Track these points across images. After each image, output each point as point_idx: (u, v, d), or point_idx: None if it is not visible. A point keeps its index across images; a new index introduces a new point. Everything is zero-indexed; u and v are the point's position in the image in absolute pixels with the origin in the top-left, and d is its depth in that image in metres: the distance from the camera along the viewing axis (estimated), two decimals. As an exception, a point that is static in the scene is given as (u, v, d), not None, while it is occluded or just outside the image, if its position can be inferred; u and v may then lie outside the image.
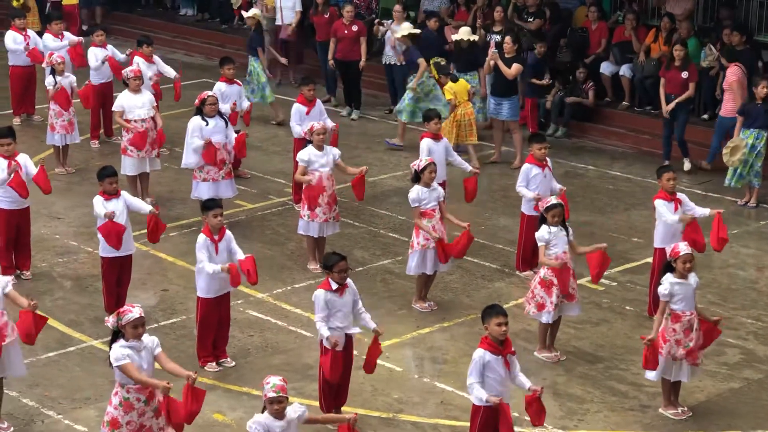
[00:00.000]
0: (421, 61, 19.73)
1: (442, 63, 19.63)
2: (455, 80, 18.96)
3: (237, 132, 16.31)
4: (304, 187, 14.77)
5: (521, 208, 14.86)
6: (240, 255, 12.42)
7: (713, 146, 18.71)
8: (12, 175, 14.02)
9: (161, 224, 13.60)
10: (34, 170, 14.29)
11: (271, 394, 9.30)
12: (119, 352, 9.92)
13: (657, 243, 13.69)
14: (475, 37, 20.15)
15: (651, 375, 11.81)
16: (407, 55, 20.22)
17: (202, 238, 12.29)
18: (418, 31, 20.27)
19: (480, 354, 10.20)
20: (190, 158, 15.83)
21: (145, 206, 13.63)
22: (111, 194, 13.25)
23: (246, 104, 17.84)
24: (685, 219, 13.32)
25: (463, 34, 20.03)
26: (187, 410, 9.88)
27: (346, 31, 21.50)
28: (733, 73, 18.35)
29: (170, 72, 19.23)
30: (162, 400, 9.99)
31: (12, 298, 11.18)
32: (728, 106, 18.30)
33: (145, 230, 13.60)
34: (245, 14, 22.06)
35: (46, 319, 11.41)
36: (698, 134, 19.30)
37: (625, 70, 20.79)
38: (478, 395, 10.17)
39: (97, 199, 13.27)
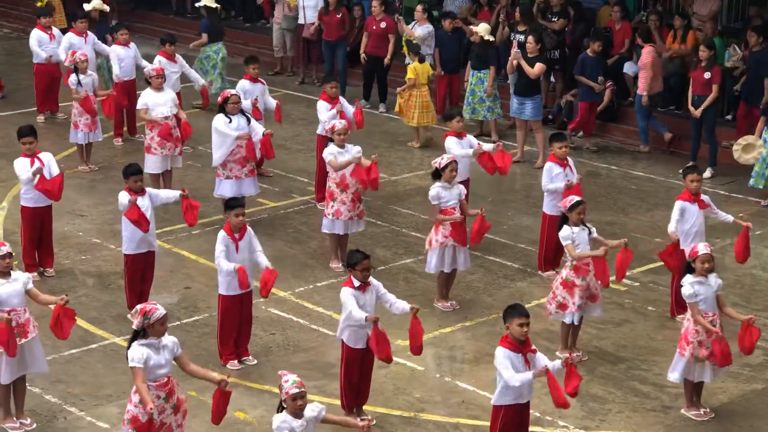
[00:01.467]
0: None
1: (414, 42, 20.47)
2: (422, 61, 19.90)
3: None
4: (329, 183, 14.75)
5: (543, 207, 14.85)
6: (263, 257, 12.45)
7: (641, 126, 19.68)
8: (37, 177, 14.04)
9: (194, 203, 13.59)
10: (56, 170, 14.31)
11: (294, 390, 9.29)
12: (138, 352, 9.92)
13: (683, 244, 13.63)
14: (491, 38, 19.98)
15: (673, 377, 11.78)
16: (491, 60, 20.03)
17: (222, 234, 12.32)
18: (491, 38, 20.07)
19: (502, 351, 10.18)
20: (218, 155, 15.83)
21: (173, 193, 13.70)
22: (136, 192, 13.29)
23: (272, 103, 17.83)
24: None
25: (481, 30, 19.97)
26: (215, 411, 10.04)
27: (374, 27, 21.62)
28: (648, 54, 19.21)
29: (198, 79, 19.31)
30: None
31: (32, 296, 11.24)
32: (642, 85, 19.48)
33: (168, 227, 13.61)
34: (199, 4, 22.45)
35: (74, 312, 11.41)
36: (722, 134, 19.22)
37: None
38: (527, 376, 10.08)
39: (122, 193, 13.28)
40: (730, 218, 13.78)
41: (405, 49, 20.58)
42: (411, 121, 19.86)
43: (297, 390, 9.29)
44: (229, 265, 12.18)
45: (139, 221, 13.14)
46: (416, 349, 11.44)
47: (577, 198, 12.93)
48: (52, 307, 11.41)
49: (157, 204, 13.56)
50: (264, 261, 12.46)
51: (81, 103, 18.06)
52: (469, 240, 13.93)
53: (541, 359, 10.26)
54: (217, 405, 10.02)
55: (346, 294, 11.23)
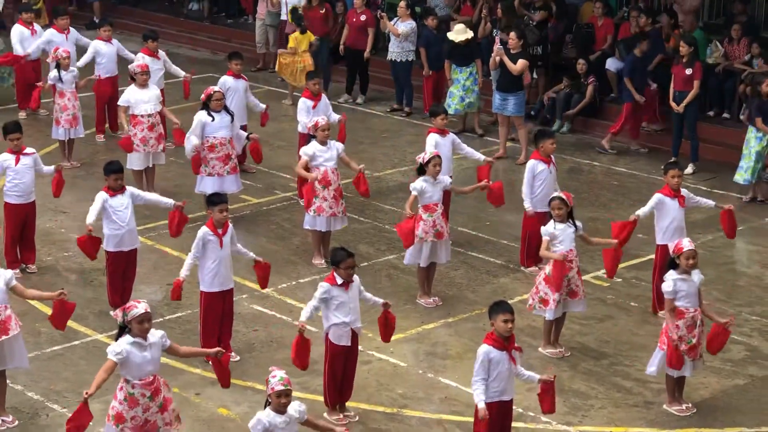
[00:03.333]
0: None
1: (300, 12, 21.54)
2: (303, 32, 21.43)
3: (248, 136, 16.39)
4: (300, 182, 14.83)
5: (525, 203, 14.85)
6: (247, 251, 12.59)
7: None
8: (56, 171, 14.55)
9: (185, 217, 13.62)
10: (41, 166, 14.48)
11: (279, 387, 9.30)
12: (118, 347, 9.94)
13: (659, 240, 13.69)
14: (469, 35, 19.98)
15: (652, 370, 11.81)
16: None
17: (203, 231, 12.29)
18: (470, 35, 20.05)
19: (485, 350, 10.20)
20: (188, 147, 15.92)
21: (164, 201, 13.67)
22: (116, 190, 13.26)
23: (258, 104, 17.82)
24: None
25: (457, 33, 19.92)
26: (221, 378, 10.64)
27: (354, 19, 21.70)
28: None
29: (179, 72, 19.24)
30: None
31: (19, 293, 11.21)
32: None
33: (151, 224, 13.58)
34: None
35: (74, 305, 11.66)
36: (704, 131, 19.26)
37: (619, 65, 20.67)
38: (477, 398, 10.17)
39: (99, 195, 13.25)
40: (711, 203, 13.92)
41: (289, 17, 22.08)
42: (291, 79, 21.68)
43: (282, 387, 9.30)
44: (184, 272, 12.25)
45: (86, 247, 13.36)
46: (387, 337, 11.83)
47: (556, 194, 13.01)
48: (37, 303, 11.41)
49: (139, 203, 13.53)
50: (250, 254, 12.56)
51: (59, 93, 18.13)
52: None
53: (533, 375, 10.46)
54: (219, 373, 10.55)
55: (320, 290, 11.29)
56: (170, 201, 13.62)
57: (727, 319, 11.82)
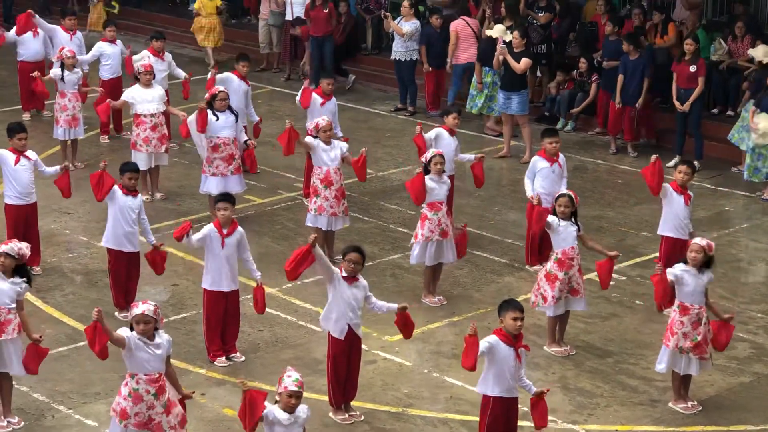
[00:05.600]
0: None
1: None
2: None
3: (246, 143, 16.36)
4: (313, 179, 14.82)
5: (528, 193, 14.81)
6: (253, 266, 12.55)
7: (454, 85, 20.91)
8: (63, 171, 14.44)
9: (162, 254, 13.44)
10: (43, 166, 14.49)
11: (293, 388, 9.32)
12: (128, 332, 9.99)
13: (662, 230, 13.74)
14: (509, 37, 19.51)
15: (660, 368, 11.81)
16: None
17: (209, 227, 12.35)
18: (508, 38, 19.58)
19: (493, 338, 10.19)
20: (202, 151, 15.92)
21: (149, 237, 13.51)
22: (130, 190, 13.28)
23: (254, 116, 17.80)
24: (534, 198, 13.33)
25: (497, 32, 19.84)
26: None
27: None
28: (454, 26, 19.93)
29: (180, 73, 19.22)
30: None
31: (20, 308, 11.20)
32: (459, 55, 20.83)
33: (155, 225, 13.54)
34: None
35: (47, 351, 11.51)
36: (708, 128, 19.24)
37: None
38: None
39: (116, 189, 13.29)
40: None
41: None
42: (202, 41, 24.24)
43: (296, 389, 9.34)
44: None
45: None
46: (409, 334, 11.72)
47: (563, 191, 13.04)
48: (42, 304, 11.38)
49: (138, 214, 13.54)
50: (255, 274, 12.56)
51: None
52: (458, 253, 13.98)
53: (531, 386, 10.48)
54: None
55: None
56: (152, 239, 13.49)
57: (730, 314, 11.81)
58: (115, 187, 13.28)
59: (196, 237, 12.29)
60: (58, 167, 14.60)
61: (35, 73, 18.65)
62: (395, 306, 11.50)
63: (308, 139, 14.96)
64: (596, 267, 13.07)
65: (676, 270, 11.56)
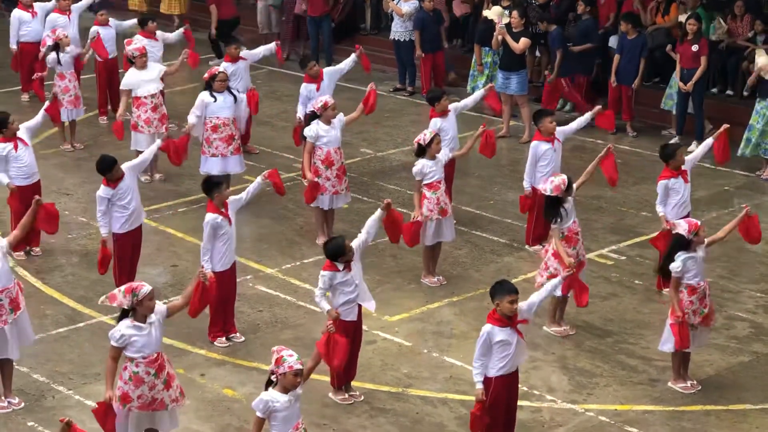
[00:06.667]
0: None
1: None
2: None
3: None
4: (313, 159, 14.74)
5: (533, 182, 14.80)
6: (254, 187, 12.92)
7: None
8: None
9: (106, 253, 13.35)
10: (38, 117, 15.01)
11: (298, 366, 9.25)
12: (117, 332, 9.98)
13: (668, 218, 13.69)
14: (506, 20, 19.49)
15: (669, 346, 11.76)
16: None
17: (210, 217, 12.22)
18: (506, 20, 19.52)
19: (488, 330, 10.19)
20: (197, 130, 15.88)
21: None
22: (116, 180, 13.04)
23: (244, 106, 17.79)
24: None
25: (494, 14, 19.80)
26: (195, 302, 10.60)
27: None
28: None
29: (175, 36, 19.23)
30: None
31: (10, 241, 11.40)
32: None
33: (155, 205, 13.49)
34: None
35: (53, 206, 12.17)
36: (707, 107, 19.17)
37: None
38: (476, 379, 10.23)
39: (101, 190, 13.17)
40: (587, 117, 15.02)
41: None
42: (166, 9, 24.79)
43: (300, 366, 9.29)
44: (207, 264, 12.19)
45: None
46: (396, 237, 12.43)
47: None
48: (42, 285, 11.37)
49: (137, 173, 13.58)
50: (255, 182, 12.91)
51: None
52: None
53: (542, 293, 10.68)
54: (196, 295, 10.54)
55: (323, 281, 11.26)
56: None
57: (744, 210, 12.34)
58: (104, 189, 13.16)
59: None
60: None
61: (36, 76, 18.69)
62: (376, 215, 11.80)
63: (308, 147, 14.76)
64: (601, 167, 13.64)
65: (680, 264, 11.54)
